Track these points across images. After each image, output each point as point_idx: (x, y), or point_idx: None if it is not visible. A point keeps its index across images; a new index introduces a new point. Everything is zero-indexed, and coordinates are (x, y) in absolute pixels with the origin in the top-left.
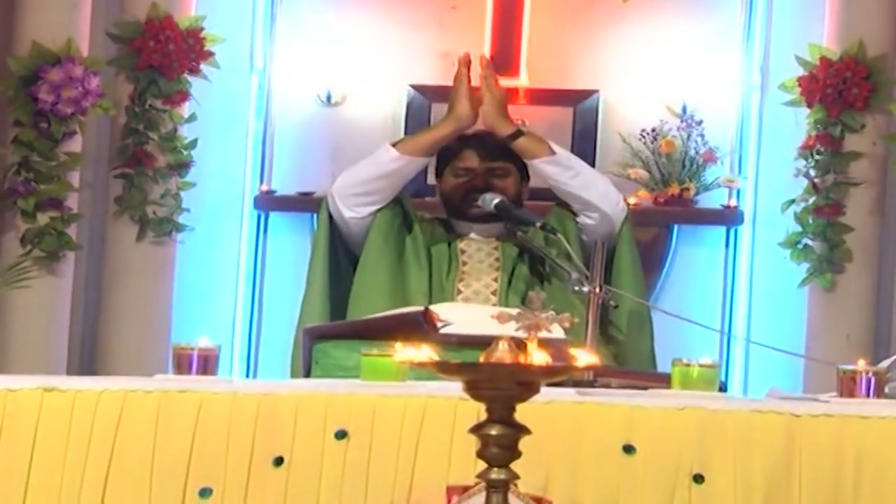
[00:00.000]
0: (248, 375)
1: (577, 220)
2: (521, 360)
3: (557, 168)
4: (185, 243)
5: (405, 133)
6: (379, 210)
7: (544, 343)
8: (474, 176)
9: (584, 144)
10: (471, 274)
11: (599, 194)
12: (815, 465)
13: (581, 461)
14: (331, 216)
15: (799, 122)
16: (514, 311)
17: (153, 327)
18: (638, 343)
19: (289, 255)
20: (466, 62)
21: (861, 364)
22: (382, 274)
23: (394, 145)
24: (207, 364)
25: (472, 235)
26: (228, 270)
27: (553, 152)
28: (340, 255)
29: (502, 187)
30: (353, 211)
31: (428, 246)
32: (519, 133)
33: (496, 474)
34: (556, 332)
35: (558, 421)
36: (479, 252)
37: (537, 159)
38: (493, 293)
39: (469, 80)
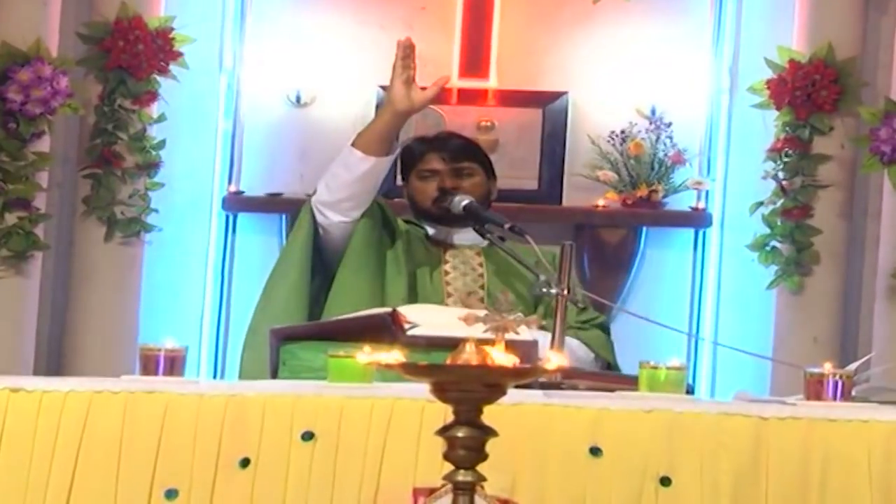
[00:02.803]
0: (215, 376)
1: None
2: (488, 362)
3: None
4: (153, 244)
5: None
6: (361, 217)
7: (511, 345)
8: (440, 177)
9: (553, 146)
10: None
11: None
12: (782, 468)
13: (548, 463)
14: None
15: (767, 125)
16: (481, 313)
17: (120, 328)
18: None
19: (257, 256)
20: (403, 44)
21: (828, 367)
22: (363, 277)
23: (353, 144)
24: (174, 365)
25: (455, 242)
26: (196, 271)
27: None
28: (314, 262)
29: (469, 187)
30: (344, 215)
31: (412, 272)
32: None
33: (463, 476)
34: (524, 333)
35: (525, 423)
36: (463, 265)
37: None
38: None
39: (404, 64)
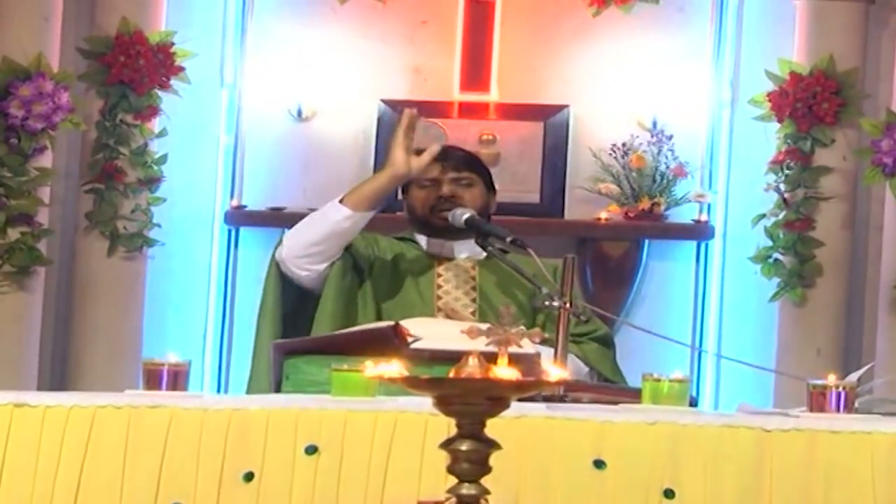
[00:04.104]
0: (218, 390)
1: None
2: (492, 375)
3: None
4: (155, 258)
5: (375, 148)
6: (334, 263)
7: (514, 358)
8: (440, 185)
9: (555, 159)
10: (446, 307)
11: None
12: (785, 480)
13: (551, 476)
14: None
15: (769, 137)
16: (484, 327)
17: (124, 342)
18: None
19: (259, 271)
20: (408, 115)
21: (831, 379)
22: (337, 322)
23: (340, 201)
24: (178, 379)
25: (454, 254)
26: (199, 286)
27: None
28: (293, 295)
29: (469, 197)
30: (307, 270)
31: (378, 301)
32: None
33: (467, 489)
34: (527, 347)
35: (529, 436)
36: (455, 278)
37: None
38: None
39: (406, 133)
